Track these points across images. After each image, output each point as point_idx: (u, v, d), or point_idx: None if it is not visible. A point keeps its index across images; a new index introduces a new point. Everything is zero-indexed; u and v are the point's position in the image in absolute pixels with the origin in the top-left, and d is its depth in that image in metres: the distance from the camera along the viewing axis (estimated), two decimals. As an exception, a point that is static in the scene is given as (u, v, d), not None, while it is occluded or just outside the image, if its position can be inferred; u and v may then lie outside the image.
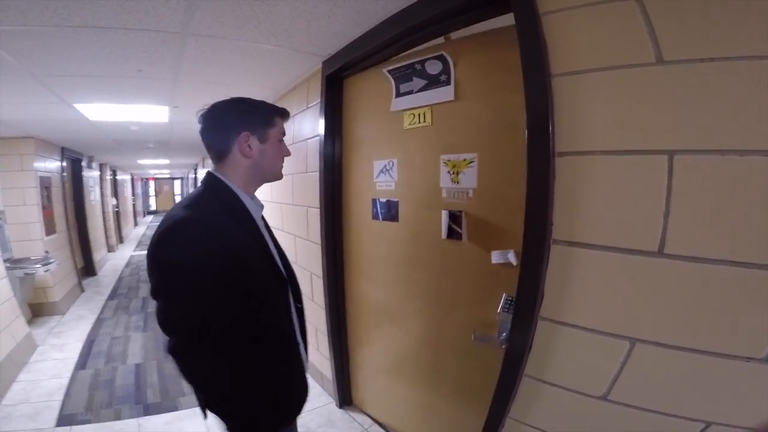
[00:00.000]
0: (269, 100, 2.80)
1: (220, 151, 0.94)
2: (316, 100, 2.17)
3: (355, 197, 2.07)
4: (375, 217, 1.89)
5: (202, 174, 8.71)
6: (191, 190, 12.34)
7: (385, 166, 1.78)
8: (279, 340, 0.94)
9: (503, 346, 1.15)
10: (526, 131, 1.02)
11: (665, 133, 0.80)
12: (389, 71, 1.63)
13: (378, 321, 1.95)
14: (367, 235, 2.00)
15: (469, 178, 1.38)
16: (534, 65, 0.97)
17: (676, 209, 0.79)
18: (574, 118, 0.92)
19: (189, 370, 0.83)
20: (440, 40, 1.51)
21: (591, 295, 0.93)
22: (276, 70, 2.22)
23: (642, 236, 0.84)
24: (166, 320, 0.82)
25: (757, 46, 0.70)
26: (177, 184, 19.79)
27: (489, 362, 1.31)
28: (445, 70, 1.41)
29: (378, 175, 1.84)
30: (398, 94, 1.60)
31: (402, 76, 1.60)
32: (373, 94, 1.86)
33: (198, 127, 0.98)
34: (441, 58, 1.41)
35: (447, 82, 1.40)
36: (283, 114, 1.00)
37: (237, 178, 0.94)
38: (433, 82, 1.45)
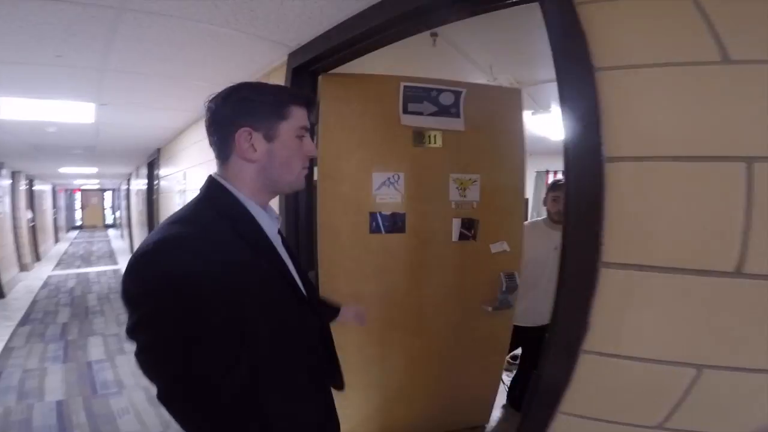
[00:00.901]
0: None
1: (221, 151, 0.76)
2: None
3: (343, 211, 1.82)
4: (375, 230, 1.81)
5: (137, 185, 8.01)
6: (123, 202, 11.35)
7: (389, 179, 1.79)
8: (295, 382, 0.77)
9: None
10: (565, 133, 0.86)
11: (741, 138, 0.72)
12: (406, 86, 1.74)
13: (391, 326, 1.90)
14: (362, 251, 1.82)
15: (473, 193, 1.86)
16: (572, 56, 0.84)
17: (757, 223, 0.70)
18: (629, 117, 0.80)
19: (179, 419, 0.66)
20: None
21: (651, 323, 0.82)
22: (232, 61, 1.89)
23: (716, 255, 0.74)
24: (142, 364, 0.65)
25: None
26: (108, 196, 17.94)
27: (495, 322, 2.02)
28: (456, 104, 1.76)
29: (379, 188, 1.79)
30: (406, 111, 1.71)
31: (414, 96, 1.74)
32: (370, 99, 1.76)
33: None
34: (456, 93, 1.76)
35: (457, 115, 1.76)
36: (302, 101, 0.78)
37: (243, 185, 0.75)
38: (444, 111, 1.75)
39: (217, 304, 0.62)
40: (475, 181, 1.84)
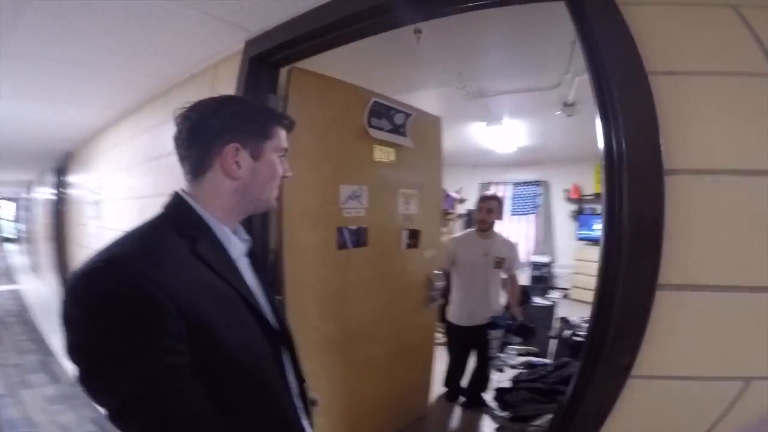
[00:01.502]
0: (149, 91, 2.08)
1: (197, 166, 0.73)
2: (230, 90, 1.56)
3: (312, 227, 1.62)
4: (343, 246, 1.74)
5: (41, 194, 6.82)
6: (24, 214, 9.50)
7: (355, 192, 1.75)
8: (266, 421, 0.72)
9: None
10: (624, 142, 0.78)
11: None
12: (375, 101, 1.80)
13: (355, 340, 1.89)
14: (330, 268, 1.70)
15: (414, 206, 2.05)
16: (623, 59, 0.79)
17: None
18: (685, 126, 0.76)
19: None
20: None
21: (699, 342, 0.80)
22: (174, 46, 1.57)
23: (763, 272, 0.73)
24: (89, 385, 0.59)
25: None
26: (9, 205, 15.13)
27: (427, 317, 2.33)
28: (404, 124, 1.95)
29: (346, 201, 1.73)
30: (369, 125, 1.75)
31: (377, 111, 1.81)
32: (341, 106, 1.70)
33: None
34: (407, 115, 1.96)
35: (405, 134, 1.95)
36: (286, 124, 0.80)
37: (215, 203, 0.73)
38: (396, 130, 1.90)
39: (171, 321, 0.57)
40: (414, 196, 2.03)
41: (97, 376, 0.58)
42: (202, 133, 0.72)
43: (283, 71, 1.55)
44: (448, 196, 5.72)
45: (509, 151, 5.11)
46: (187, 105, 0.74)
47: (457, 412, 2.53)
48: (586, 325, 3.14)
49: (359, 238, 1.78)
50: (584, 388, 0.89)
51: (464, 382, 2.65)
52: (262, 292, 0.80)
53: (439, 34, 1.81)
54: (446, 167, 6.37)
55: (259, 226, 1.46)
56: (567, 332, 3.05)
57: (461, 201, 6.08)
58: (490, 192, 2.57)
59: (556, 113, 3.24)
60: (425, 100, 2.70)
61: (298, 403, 0.83)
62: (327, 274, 1.68)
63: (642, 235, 0.75)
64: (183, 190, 0.74)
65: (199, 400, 0.59)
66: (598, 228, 5.49)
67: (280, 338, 0.79)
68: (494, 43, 2.00)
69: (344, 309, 1.78)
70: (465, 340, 2.48)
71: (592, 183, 5.86)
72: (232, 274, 0.71)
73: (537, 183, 6.35)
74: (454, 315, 2.44)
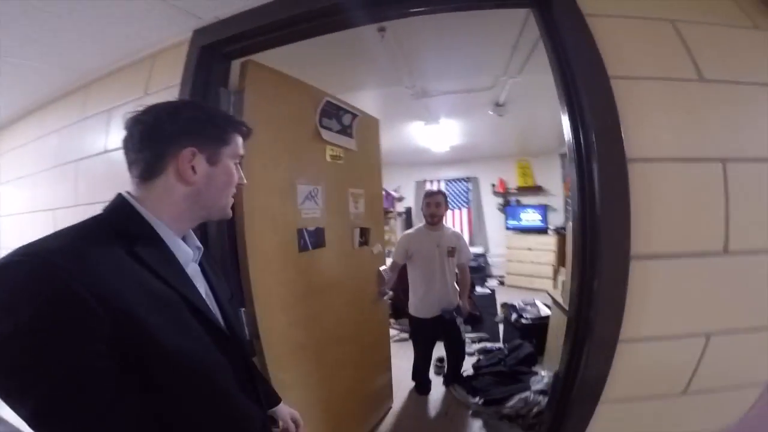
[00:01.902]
0: (63, 85, 1.76)
1: (148, 170, 0.69)
2: (172, 83, 1.38)
3: (273, 230, 1.51)
4: (304, 248, 1.67)
5: None
6: None
7: (311, 192, 1.72)
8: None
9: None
10: (594, 136, 0.89)
11: (716, 142, 0.89)
12: (328, 101, 1.80)
13: (320, 342, 1.83)
14: (293, 272, 1.62)
15: (361, 206, 2.10)
16: (590, 64, 0.91)
17: (734, 212, 0.88)
18: (639, 123, 0.90)
19: None
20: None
21: (666, 304, 0.92)
22: (107, 33, 1.34)
23: (709, 239, 0.89)
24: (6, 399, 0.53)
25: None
26: None
27: (381, 310, 2.38)
28: (351, 125, 1.97)
29: (303, 202, 1.67)
30: (321, 124, 1.74)
31: (328, 111, 1.80)
32: (297, 105, 1.65)
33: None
34: (354, 116, 2.00)
35: (351, 135, 1.97)
36: (244, 131, 0.79)
37: (164, 208, 0.70)
38: (343, 130, 1.92)
39: (95, 323, 0.53)
40: (361, 195, 2.10)
41: (11, 378, 0.53)
42: (157, 136, 0.69)
43: (235, 64, 1.43)
44: (388, 194, 5.81)
45: (443, 149, 5.35)
46: (140, 108, 0.71)
47: (430, 403, 2.57)
48: (530, 308, 3.43)
49: (318, 239, 1.75)
50: (578, 362, 0.96)
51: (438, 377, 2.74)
52: (216, 302, 0.78)
53: (399, 35, 1.84)
54: (384, 166, 6.49)
55: (215, 232, 1.32)
56: (513, 316, 3.28)
57: (400, 199, 6.22)
58: (435, 188, 2.63)
59: (489, 113, 3.46)
60: (364, 100, 2.72)
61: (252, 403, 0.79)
62: (291, 278, 1.60)
63: (615, 213, 0.86)
64: (128, 193, 0.70)
65: (125, 412, 0.56)
66: (525, 218, 6.03)
67: (237, 350, 0.76)
68: (444, 45, 2.07)
69: (311, 313, 1.71)
70: (430, 332, 2.56)
71: (515, 177, 6.40)
72: (177, 277, 0.67)
73: (467, 179, 6.73)
74: (416, 309, 2.51)
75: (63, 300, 0.52)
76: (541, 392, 2.17)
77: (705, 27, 0.94)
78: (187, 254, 0.73)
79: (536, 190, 6.20)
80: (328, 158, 1.84)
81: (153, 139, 0.69)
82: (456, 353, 2.69)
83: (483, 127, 4.35)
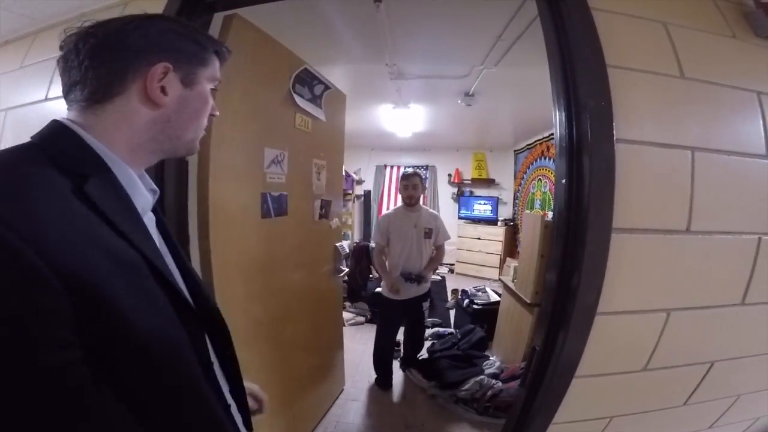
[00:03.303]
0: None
1: (102, 90, 0.54)
2: None
3: (237, 190, 1.38)
4: (266, 214, 1.56)
5: None
6: None
7: (277, 157, 1.62)
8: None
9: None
10: (589, 116, 0.94)
11: (688, 132, 0.98)
12: (306, 69, 1.78)
13: (281, 318, 1.75)
14: (254, 239, 1.50)
15: (323, 178, 2.05)
16: (591, 53, 0.97)
17: (697, 195, 0.98)
18: (627, 108, 0.96)
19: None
20: None
21: (636, 278, 0.98)
22: None
23: (675, 218, 0.98)
24: None
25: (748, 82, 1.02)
26: None
27: (335, 287, 2.34)
28: (321, 96, 1.95)
29: (269, 166, 1.57)
30: (293, 89, 1.70)
31: (302, 79, 1.77)
32: (274, 67, 1.57)
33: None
34: (326, 87, 1.98)
35: (320, 106, 1.94)
36: (224, 54, 0.66)
37: (119, 136, 0.55)
38: (314, 100, 1.89)
39: (53, 299, 0.38)
40: (324, 167, 2.05)
41: None
42: (116, 50, 0.54)
43: (217, 17, 1.28)
44: (348, 176, 5.69)
45: (406, 135, 5.33)
46: (87, 23, 0.55)
47: (389, 395, 2.50)
48: (481, 294, 3.59)
49: (281, 206, 1.66)
50: (556, 335, 0.99)
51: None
52: (173, 258, 0.64)
53: (392, 9, 1.77)
54: (347, 148, 6.33)
55: (174, 179, 1.17)
56: (465, 301, 3.41)
57: (359, 182, 6.13)
58: (411, 170, 2.62)
59: (458, 102, 3.49)
60: (336, 76, 2.59)
61: (229, 398, 0.70)
62: (252, 246, 1.47)
63: (604, 186, 0.91)
64: (67, 119, 0.54)
65: (108, 412, 0.43)
66: (477, 208, 6.26)
67: (203, 323, 0.62)
68: (432, 26, 2.04)
69: (270, 286, 1.60)
70: (399, 315, 2.58)
71: (470, 169, 6.61)
72: (139, 233, 0.52)
73: (426, 167, 6.81)
74: (389, 290, 2.50)
75: (6, 270, 0.36)
76: (494, 376, 2.28)
77: (691, 31, 1.03)
78: (146, 199, 0.59)
79: (489, 182, 6.45)
80: (297, 125, 1.76)
81: (109, 53, 0.55)
82: (418, 337, 2.75)
83: (448, 116, 4.39)
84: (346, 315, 3.65)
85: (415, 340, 2.76)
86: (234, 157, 1.33)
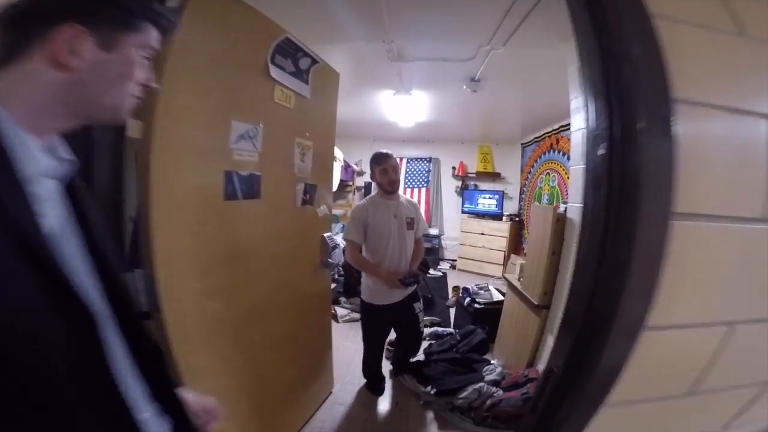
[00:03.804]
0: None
1: (3, 51, 0.52)
2: None
3: (192, 167, 1.19)
4: (231, 195, 1.36)
5: None
6: None
7: (248, 132, 1.43)
8: None
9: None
10: (637, 69, 0.71)
11: (758, 98, 0.78)
12: (288, 38, 1.62)
13: (250, 318, 1.55)
14: (216, 225, 1.30)
15: (308, 159, 1.85)
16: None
17: None
18: (683, 63, 0.74)
19: None
20: None
21: (700, 281, 0.76)
22: None
23: (748, 202, 0.77)
24: None
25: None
26: None
27: (323, 283, 2.13)
28: (308, 71, 1.76)
29: (237, 141, 1.37)
30: (272, 61, 1.55)
31: (284, 50, 1.62)
32: (245, 34, 1.39)
33: None
34: (313, 61, 1.78)
35: (306, 82, 1.76)
36: (162, 24, 0.60)
37: (18, 98, 0.52)
38: (299, 74, 1.71)
39: None
40: (310, 148, 1.86)
41: None
42: (16, 11, 0.54)
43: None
44: (348, 166, 5.51)
45: (408, 125, 5.12)
46: None
47: (380, 400, 2.31)
48: (483, 292, 3.40)
49: (251, 187, 1.46)
50: (585, 355, 0.77)
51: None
52: (84, 249, 0.58)
53: None
54: (346, 139, 6.17)
55: (106, 151, 1.01)
56: (466, 300, 3.22)
57: (360, 173, 5.95)
58: (384, 150, 2.16)
59: (463, 87, 3.28)
60: (330, 58, 2.41)
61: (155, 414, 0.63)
62: (211, 232, 1.28)
63: (661, 159, 0.69)
64: None
65: None
66: (481, 202, 6.06)
67: (94, 317, 0.53)
68: (429, 2, 1.84)
69: (235, 280, 1.41)
70: (385, 322, 2.20)
71: (475, 162, 6.39)
72: (14, 198, 0.47)
73: (429, 159, 6.60)
74: (371, 293, 2.10)
75: None
76: (494, 383, 2.10)
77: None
78: (37, 162, 0.52)
79: (494, 176, 6.24)
80: (277, 100, 1.57)
81: (14, 14, 0.54)
82: (413, 348, 2.41)
83: (452, 105, 4.18)
84: (340, 311, 3.48)
85: (408, 347, 2.41)
86: (190, 129, 1.14)
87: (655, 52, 0.70)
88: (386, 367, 2.48)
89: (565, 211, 2.08)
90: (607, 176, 0.73)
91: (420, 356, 2.58)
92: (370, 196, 2.21)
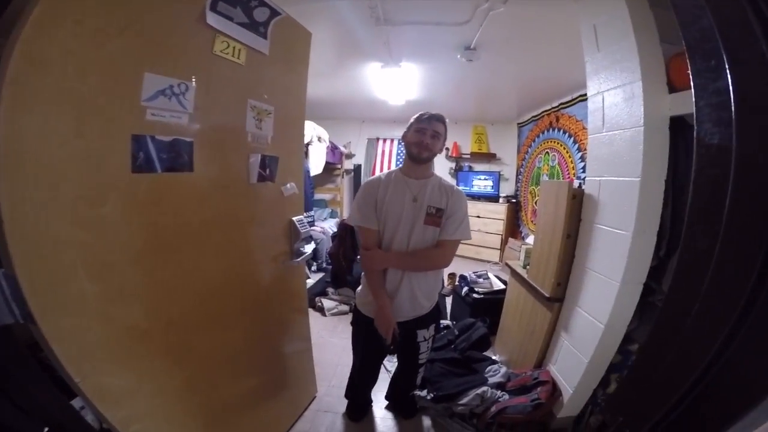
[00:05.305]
0: None
1: None
2: None
3: (77, 128, 0.88)
4: (143, 167, 1.06)
5: None
6: None
7: (172, 88, 1.14)
8: None
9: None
10: None
11: None
12: None
13: (192, 327, 1.27)
14: (117, 207, 0.99)
15: (268, 127, 1.53)
16: None
17: None
18: None
19: None
20: None
21: None
22: None
23: None
24: None
25: None
26: None
27: (294, 277, 1.81)
28: (266, 24, 1.48)
29: (154, 98, 1.08)
30: (213, 9, 1.27)
31: None
32: None
33: None
34: (273, 13, 1.48)
35: (265, 36, 1.49)
36: None
37: None
38: (254, 27, 1.44)
39: None
40: (270, 113, 1.54)
41: None
42: None
43: None
44: (335, 148, 5.19)
45: (399, 103, 4.80)
46: None
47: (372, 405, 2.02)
48: (482, 280, 3.17)
49: (177, 156, 1.16)
50: None
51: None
52: None
53: None
54: (334, 121, 5.81)
55: None
56: (464, 289, 2.99)
57: (349, 156, 5.64)
58: (436, 111, 1.53)
59: (457, 57, 2.97)
60: (307, 15, 2.08)
61: None
62: (111, 218, 0.98)
63: None
64: None
65: None
66: (477, 184, 5.81)
67: None
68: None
69: (158, 279, 1.14)
70: (374, 338, 1.54)
71: (469, 143, 6.12)
72: None
73: (421, 140, 6.31)
74: (364, 302, 1.59)
75: None
76: (499, 385, 1.89)
77: None
78: None
79: (490, 157, 5.99)
80: (217, 51, 1.28)
81: None
82: (404, 381, 1.84)
83: (446, 80, 3.87)
84: (327, 303, 3.23)
85: (404, 380, 1.84)
86: (72, 79, 0.84)
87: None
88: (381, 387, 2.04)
89: (581, 186, 1.76)
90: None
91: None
92: (389, 171, 1.60)
